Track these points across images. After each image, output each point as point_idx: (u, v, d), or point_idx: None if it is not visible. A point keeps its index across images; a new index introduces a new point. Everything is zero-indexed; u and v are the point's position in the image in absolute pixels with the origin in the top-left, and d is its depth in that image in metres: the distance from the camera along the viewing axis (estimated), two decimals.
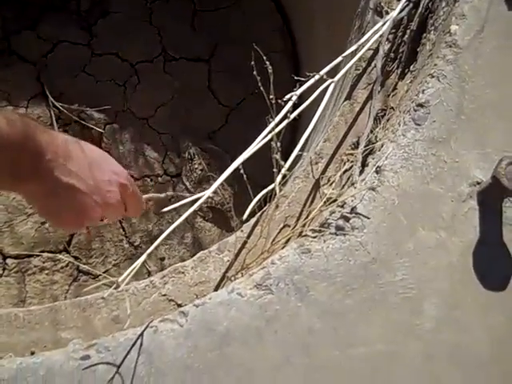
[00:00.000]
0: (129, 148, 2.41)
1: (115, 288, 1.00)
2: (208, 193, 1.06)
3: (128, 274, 0.98)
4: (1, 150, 0.74)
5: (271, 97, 1.12)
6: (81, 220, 0.88)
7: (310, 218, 1.24)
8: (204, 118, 2.54)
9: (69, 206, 0.85)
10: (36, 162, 0.79)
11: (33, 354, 1.18)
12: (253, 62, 1.09)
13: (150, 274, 2.28)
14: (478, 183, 1.15)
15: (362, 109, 1.47)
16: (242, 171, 1.11)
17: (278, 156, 1.13)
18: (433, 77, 1.22)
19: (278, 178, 1.15)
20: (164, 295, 1.26)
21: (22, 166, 0.77)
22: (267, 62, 1.12)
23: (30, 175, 0.79)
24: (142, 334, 1.05)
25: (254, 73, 1.08)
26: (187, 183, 2.42)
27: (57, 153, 0.81)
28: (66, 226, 0.91)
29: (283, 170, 1.15)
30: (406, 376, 1.06)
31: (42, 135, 0.79)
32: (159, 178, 2.43)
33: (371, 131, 1.36)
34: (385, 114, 1.41)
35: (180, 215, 2.05)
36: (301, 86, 1.28)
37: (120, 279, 0.97)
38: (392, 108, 1.40)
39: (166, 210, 1.02)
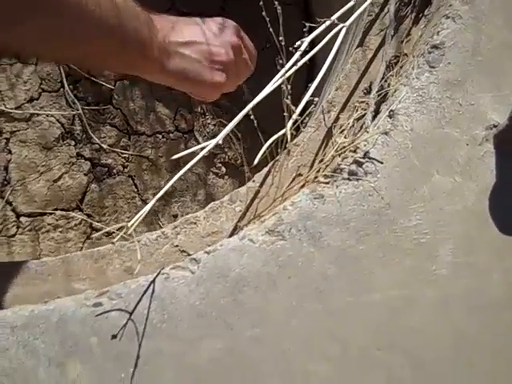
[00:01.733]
0: (139, 104, 2.39)
1: (124, 233, 0.99)
2: (218, 138, 1.04)
3: (137, 219, 0.97)
4: (126, 18, 0.74)
5: (281, 38, 1.10)
6: (219, 67, 0.90)
7: (322, 165, 1.22)
8: None
9: (201, 59, 0.87)
10: (151, 30, 0.79)
11: (46, 302, 1.18)
12: (263, 10, 1.06)
13: None
14: (495, 126, 1.12)
15: (374, 56, 1.43)
16: (252, 117, 1.09)
17: (288, 101, 1.11)
18: (448, 17, 1.19)
19: (289, 123, 1.13)
20: (176, 246, 1.25)
21: (143, 35, 0.77)
22: (276, 3, 1.09)
23: (150, 44, 0.79)
24: (153, 281, 1.04)
25: (267, 19, 1.05)
26: (200, 139, 2.40)
27: (165, 21, 0.84)
28: (213, 83, 0.91)
29: (294, 115, 1.13)
30: (421, 321, 1.05)
31: (147, 10, 0.81)
32: (171, 135, 2.41)
33: (384, 78, 1.33)
34: (398, 61, 1.38)
35: (191, 170, 2.03)
36: (312, 32, 1.25)
37: (130, 224, 0.96)
38: (405, 54, 1.37)
39: (176, 156, 1.00)
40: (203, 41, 0.88)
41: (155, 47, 0.80)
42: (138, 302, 1.02)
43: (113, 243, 1.06)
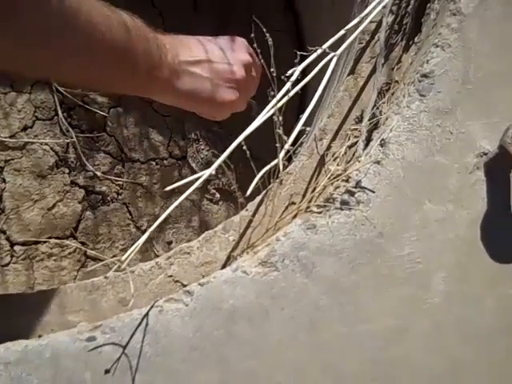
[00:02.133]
0: (133, 131, 2.40)
1: (118, 267, 0.99)
2: (211, 170, 1.05)
3: (131, 252, 0.97)
4: (136, 39, 0.74)
5: (272, 70, 1.10)
6: (233, 86, 0.89)
7: (314, 193, 1.22)
8: None
9: (212, 78, 0.86)
10: (161, 50, 0.79)
11: (40, 337, 1.18)
12: (252, 35, 1.07)
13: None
14: (485, 154, 1.13)
15: (366, 83, 1.44)
16: (244, 147, 1.09)
17: (280, 131, 1.12)
18: (437, 46, 1.20)
19: (282, 154, 1.13)
20: (170, 276, 1.25)
21: (152, 55, 0.77)
22: (267, 34, 1.10)
23: (160, 64, 0.79)
24: (147, 314, 1.04)
25: (255, 45, 1.06)
26: (193, 165, 2.40)
27: (174, 41, 0.83)
28: (225, 102, 0.90)
29: (286, 145, 1.13)
30: (415, 351, 1.05)
31: (156, 30, 0.80)
32: (165, 161, 2.42)
33: (375, 105, 1.34)
34: (389, 88, 1.39)
35: (187, 198, 2.05)
36: (303, 60, 1.26)
37: (123, 258, 0.96)
38: (396, 81, 1.38)
39: (170, 187, 1.01)
40: (214, 59, 0.87)
41: (165, 67, 0.79)
42: (132, 336, 1.02)
43: (106, 277, 1.06)
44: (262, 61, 1.16)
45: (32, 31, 0.60)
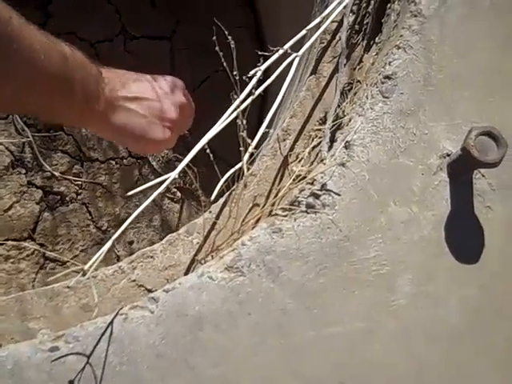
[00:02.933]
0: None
1: (83, 275, 0.97)
2: (174, 174, 1.03)
3: (95, 261, 0.95)
4: (73, 68, 0.74)
5: (235, 73, 1.09)
6: (167, 125, 0.89)
7: (279, 196, 1.21)
8: None
9: (147, 115, 0.86)
10: (99, 82, 0.79)
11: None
12: (215, 37, 1.06)
13: (119, 258, 2.25)
14: (448, 155, 1.14)
15: (328, 83, 1.44)
16: (208, 150, 1.08)
17: (244, 134, 1.10)
18: (399, 48, 1.20)
19: (246, 157, 1.12)
20: (133, 281, 1.23)
21: (90, 87, 0.77)
22: (229, 37, 1.09)
23: (97, 97, 0.79)
24: (111, 323, 1.02)
25: (217, 48, 1.05)
26: (154, 163, 2.38)
27: (113, 75, 0.83)
28: (158, 141, 0.89)
29: (250, 148, 1.12)
30: (383, 353, 1.05)
31: (96, 63, 0.81)
32: (124, 161, 2.38)
33: (338, 106, 1.34)
34: (351, 88, 1.39)
35: (147, 197, 2.02)
36: (265, 61, 1.24)
37: (86, 266, 0.94)
38: (358, 81, 1.38)
39: (132, 192, 0.99)
40: (151, 97, 0.88)
41: (101, 100, 0.80)
42: (96, 345, 1.00)
43: (68, 287, 1.04)
44: (224, 62, 1.15)
45: None
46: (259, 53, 1.29)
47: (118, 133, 0.86)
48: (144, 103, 0.87)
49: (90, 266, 0.95)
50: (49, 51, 0.69)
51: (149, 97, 0.88)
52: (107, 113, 0.82)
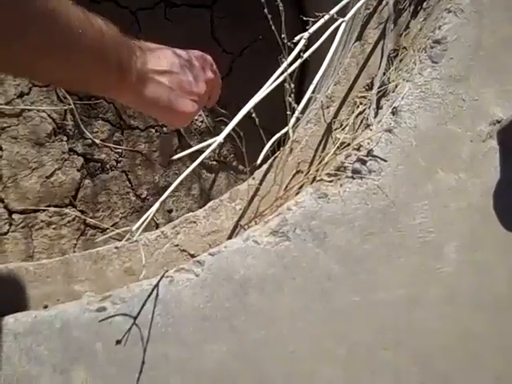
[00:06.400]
0: None
1: (131, 236, 0.98)
2: (220, 138, 1.03)
3: (142, 223, 0.96)
4: (108, 42, 0.77)
5: (283, 36, 1.08)
6: (194, 99, 0.92)
7: (323, 162, 1.20)
8: None
9: (176, 89, 0.89)
10: (131, 55, 0.82)
11: (46, 307, 1.16)
12: (265, 7, 1.04)
13: (158, 226, 2.26)
14: (498, 122, 1.11)
15: (373, 49, 1.42)
16: (253, 115, 1.07)
17: (291, 98, 1.09)
18: (449, 12, 1.17)
19: (292, 121, 1.11)
20: (176, 245, 1.24)
21: (123, 60, 0.80)
22: (278, 0, 1.08)
23: (129, 69, 0.81)
24: (157, 285, 1.03)
25: (265, 10, 1.04)
26: (193, 134, 2.38)
27: (145, 49, 0.86)
28: (184, 113, 0.93)
29: (296, 113, 1.11)
30: (427, 320, 1.05)
31: (129, 37, 0.83)
32: (164, 129, 2.38)
33: (384, 72, 1.32)
34: (397, 55, 1.36)
35: (186, 166, 2.02)
36: (312, 25, 1.23)
37: (134, 228, 0.95)
38: (404, 48, 1.36)
39: (177, 156, 0.99)
40: (181, 71, 0.91)
41: (134, 73, 0.83)
42: (142, 306, 1.01)
43: (117, 248, 1.05)
44: (273, 26, 1.14)
45: (9, 28, 0.62)
46: (304, 18, 1.28)
47: (148, 104, 0.89)
48: (173, 77, 0.89)
49: (138, 228, 0.95)
50: (85, 26, 0.72)
51: (178, 71, 0.90)
52: (138, 85, 0.86)
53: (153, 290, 1.02)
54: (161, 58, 0.89)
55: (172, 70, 0.89)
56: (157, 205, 0.96)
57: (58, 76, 0.75)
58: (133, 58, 0.83)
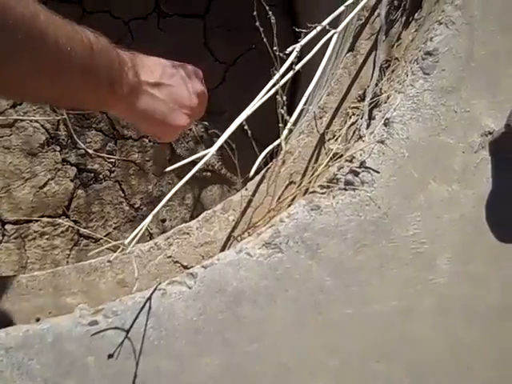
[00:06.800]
0: None
1: (123, 249, 0.97)
2: (213, 150, 1.03)
3: (135, 236, 0.95)
4: (98, 56, 0.77)
5: (275, 48, 1.08)
6: (186, 112, 0.92)
7: (316, 174, 1.20)
8: None
9: (169, 102, 0.89)
10: (123, 68, 0.82)
11: (38, 320, 1.16)
12: (255, 13, 1.05)
13: (151, 236, 2.26)
14: (490, 133, 1.12)
15: (365, 60, 1.42)
16: (246, 127, 1.07)
17: (283, 110, 1.10)
18: (441, 23, 1.18)
19: (284, 133, 1.11)
20: (169, 257, 1.24)
21: (114, 72, 0.80)
22: (270, 12, 1.08)
23: (120, 82, 0.82)
24: (150, 298, 1.02)
25: (257, 23, 1.04)
26: (184, 143, 2.38)
27: (137, 61, 0.86)
28: (177, 126, 0.93)
29: (289, 125, 1.11)
30: (420, 332, 1.05)
31: (120, 49, 0.84)
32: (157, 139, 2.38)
33: (376, 84, 1.32)
34: (389, 65, 1.37)
35: (179, 176, 2.02)
36: (304, 36, 1.23)
37: (127, 241, 0.94)
38: (396, 59, 1.36)
39: (170, 168, 0.99)
40: (174, 84, 0.91)
41: (125, 85, 0.83)
42: (135, 320, 1.00)
43: (109, 261, 1.04)
44: (262, 35, 1.14)
45: (8, 44, 0.62)
46: (297, 30, 1.28)
47: (140, 116, 0.89)
48: (166, 89, 0.90)
49: (131, 241, 0.95)
50: (74, 43, 0.72)
51: (170, 83, 0.91)
52: (130, 97, 0.86)
53: (145, 303, 1.02)
54: (154, 71, 0.88)
55: (165, 83, 0.89)
56: (149, 218, 0.95)
57: (48, 94, 0.75)
58: (124, 70, 0.82)
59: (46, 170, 2.24)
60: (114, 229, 2.27)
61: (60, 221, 2.21)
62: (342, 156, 1.18)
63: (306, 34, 1.26)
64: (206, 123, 2.42)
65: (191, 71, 0.96)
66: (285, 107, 1.10)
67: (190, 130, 2.40)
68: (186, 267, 1.22)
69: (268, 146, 1.20)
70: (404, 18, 1.41)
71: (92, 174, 2.29)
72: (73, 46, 0.71)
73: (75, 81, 0.75)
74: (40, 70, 0.69)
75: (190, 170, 1.05)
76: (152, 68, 0.88)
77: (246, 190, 1.30)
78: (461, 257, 1.07)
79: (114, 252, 1.16)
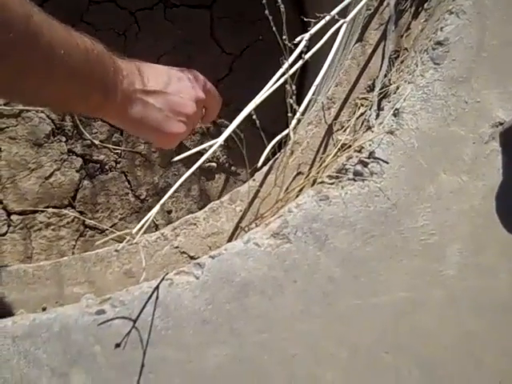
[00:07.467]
0: None
1: (131, 238, 0.97)
2: (221, 140, 1.02)
3: (143, 225, 0.95)
4: (93, 62, 0.76)
5: (284, 37, 1.07)
6: (182, 120, 0.90)
7: (324, 164, 1.20)
8: (207, 67, 2.47)
9: (164, 109, 0.88)
10: (117, 75, 0.81)
11: (44, 309, 1.16)
12: (264, 0, 1.03)
13: (157, 227, 2.25)
14: (501, 124, 1.11)
15: (374, 51, 1.41)
16: (254, 116, 1.07)
17: (292, 100, 1.09)
18: (451, 13, 1.17)
19: (293, 123, 1.11)
20: (176, 247, 1.23)
21: (108, 79, 0.79)
22: (279, 0, 1.07)
23: (114, 89, 0.81)
24: (157, 287, 1.02)
25: (266, 12, 1.03)
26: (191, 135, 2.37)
27: (133, 68, 0.85)
28: (172, 134, 0.91)
29: (298, 114, 1.10)
30: (429, 323, 1.04)
31: (115, 55, 0.83)
32: None
33: (385, 74, 1.31)
34: (398, 56, 1.36)
35: (186, 167, 2.01)
36: (313, 26, 1.22)
37: (134, 231, 0.94)
38: (406, 49, 1.35)
39: (176, 159, 0.98)
40: (169, 91, 0.90)
41: (119, 93, 0.82)
42: (142, 309, 1.00)
43: (117, 251, 1.04)
44: (274, 27, 1.13)
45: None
46: (305, 19, 1.27)
47: (135, 125, 0.88)
48: (161, 97, 0.88)
49: (138, 230, 0.95)
50: (68, 46, 0.71)
51: (166, 91, 0.89)
52: (124, 105, 0.85)
53: (153, 293, 1.01)
54: (150, 78, 0.87)
55: (160, 90, 0.88)
56: (157, 207, 0.95)
57: (37, 96, 0.75)
58: (119, 77, 0.81)
59: (52, 160, 2.23)
60: (119, 220, 2.26)
61: (66, 211, 2.20)
62: (350, 147, 1.18)
63: (315, 23, 1.24)
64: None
65: (191, 77, 0.95)
66: (294, 97, 1.09)
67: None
68: (192, 258, 1.22)
69: (275, 136, 1.19)
70: (413, 7, 1.40)
71: (98, 165, 2.28)
72: (67, 50, 0.71)
73: (67, 84, 0.74)
74: (31, 70, 0.68)
75: (197, 161, 1.04)
76: (149, 75, 0.87)
77: (254, 180, 1.29)
78: (470, 248, 1.06)
79: (120, 243, 1.16)
